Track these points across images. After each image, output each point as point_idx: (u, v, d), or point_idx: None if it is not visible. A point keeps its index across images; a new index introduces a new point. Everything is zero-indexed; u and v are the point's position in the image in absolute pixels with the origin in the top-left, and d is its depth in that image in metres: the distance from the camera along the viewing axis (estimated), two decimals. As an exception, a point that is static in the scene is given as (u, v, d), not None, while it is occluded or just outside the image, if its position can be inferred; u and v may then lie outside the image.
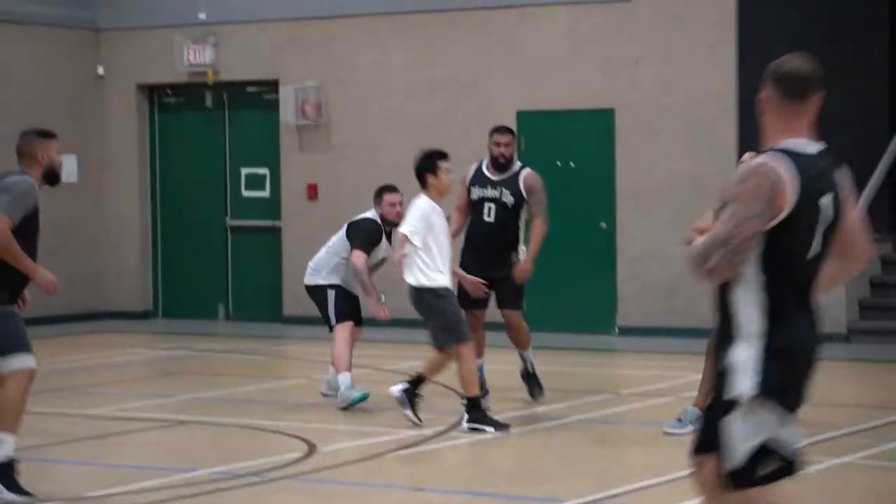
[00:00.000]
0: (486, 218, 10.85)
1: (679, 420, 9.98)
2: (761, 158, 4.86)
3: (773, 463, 4.89)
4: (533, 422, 10.58)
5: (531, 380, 11.22)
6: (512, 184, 10.90)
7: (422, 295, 9.99)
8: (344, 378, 10.98)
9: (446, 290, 10.01)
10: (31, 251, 8.04)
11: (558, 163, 16.48)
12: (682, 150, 16.03)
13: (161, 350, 15.77)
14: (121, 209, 18.88)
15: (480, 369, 10.71)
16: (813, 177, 4.86)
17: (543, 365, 14.15)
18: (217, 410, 11.23)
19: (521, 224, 10.99)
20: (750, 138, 16.06)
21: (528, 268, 10.87)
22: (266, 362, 14.98)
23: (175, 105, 18.98)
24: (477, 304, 10.80)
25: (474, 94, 16.91)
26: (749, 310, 4.86)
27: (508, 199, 10.84)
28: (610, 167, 16.42)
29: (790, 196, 4.80)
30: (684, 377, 11.75)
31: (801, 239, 4.86)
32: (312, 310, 11.61)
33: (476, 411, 10.00)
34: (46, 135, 8.21)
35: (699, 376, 9.96)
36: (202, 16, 18.26)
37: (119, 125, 18.85)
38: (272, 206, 18.30)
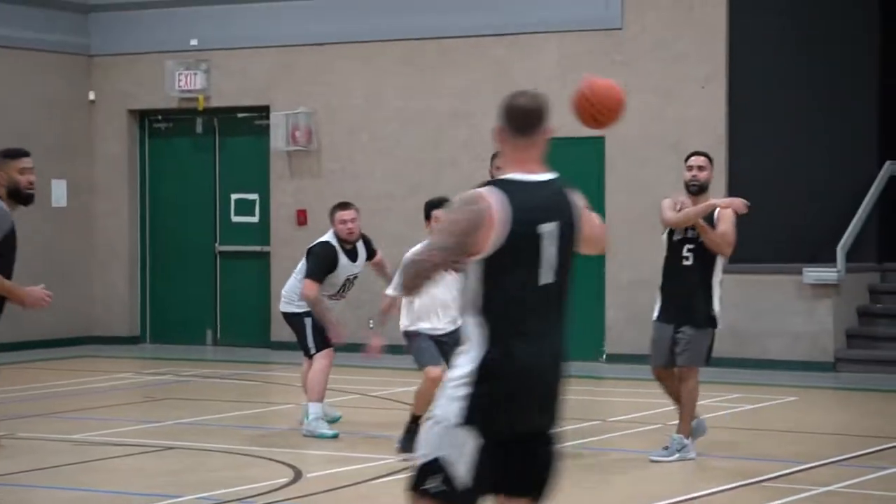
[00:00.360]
0: None
1: (665, 448, 9.99)
2: (478, 190, 4.99)
3: (437, 481, 4.97)
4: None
5: None
6: None
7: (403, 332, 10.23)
8: (315, 408, 10.96)
9: (412, 332, 10.06)
10: (7, 272, 7.98)
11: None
12: (671, 179, 16.04)
13: (148, 375, 15.75)
14: (110, 234, 18.89)
15: None
16: (532, 206, 4.95)
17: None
18: (203, 436, 11.21)
19: None
20: (739, 168, 16.14)
21: None
22: (253, 388, 14.96)
23: (166, 130, 19.01)
24: None
25: (465, 122, 16.95)
26: (472, 333, 4.97)
27: None
28: (599, 195, 16.45)
29: (500, 226, 4.89)
30: (671, 405, 11.73)
31: (523, 267, 4.95)
32: (300, 335, 11.61)
33: (410, 433, 9.93)
34: (9, 154, 8.13)
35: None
36: (194, 42, 18.31)
37: (110, 150, 18.87)
38: (261, 232, 18.31)
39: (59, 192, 18.44)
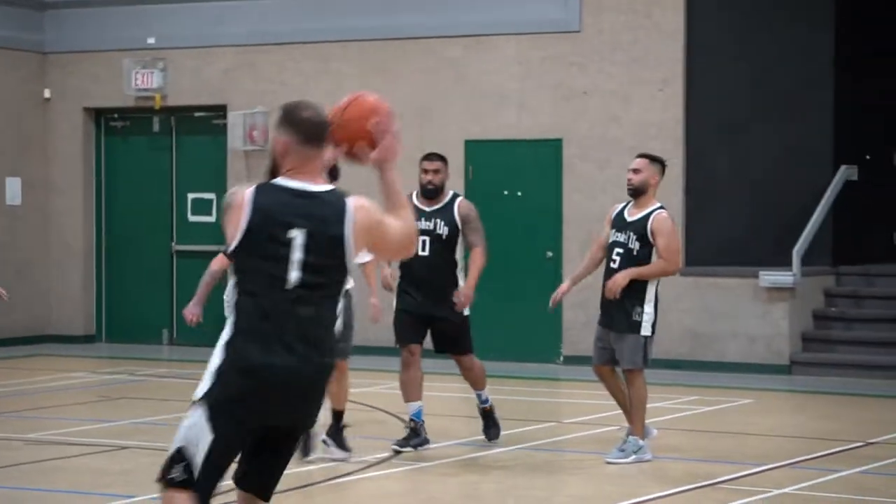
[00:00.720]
0: (420, 252, 10.17)
1: (621, 450, 9.99)
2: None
3: (178, 471, 5.14)
4: (474, 450, 10.57)
5: (487, 419, 10.68)
6: (446, 214, 10.33)
7: None
8: None
9: None
10: None
11: (506, 192, 16.53)
12: (628, 181, 16.11)
13: (104, 374, 15.66)
14: (65, 232, 18.77)
15: (418, 415, 10.29)
16: (282, 210, 5.12)
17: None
18: (159, 435, 11.14)
19: (460, 256, 10.52)
20: (696, 171, 16.21)
21: (470, 294, 10.36)
22: (209, 388, 14.88)
23: (122, 129, 18.91)
24: (412, 337, 10.35)
25: (423, 123, 16.94)
26: (229, 320, 5.18)
27: (443, 230, 10.31)
28: (557, 196, 16.49)
29: (242, 220, 5.11)
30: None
31: (267, 267, 5.12)
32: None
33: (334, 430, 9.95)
34: None
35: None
36: (151, 40, 18.21)
37: (65, 148, 18.75)
38: (218, 231, 18.18)
39: (13, 190, 18.31)
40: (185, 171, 18.53)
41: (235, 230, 5.11)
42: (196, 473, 5.10)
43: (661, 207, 9.98)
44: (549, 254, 16.52)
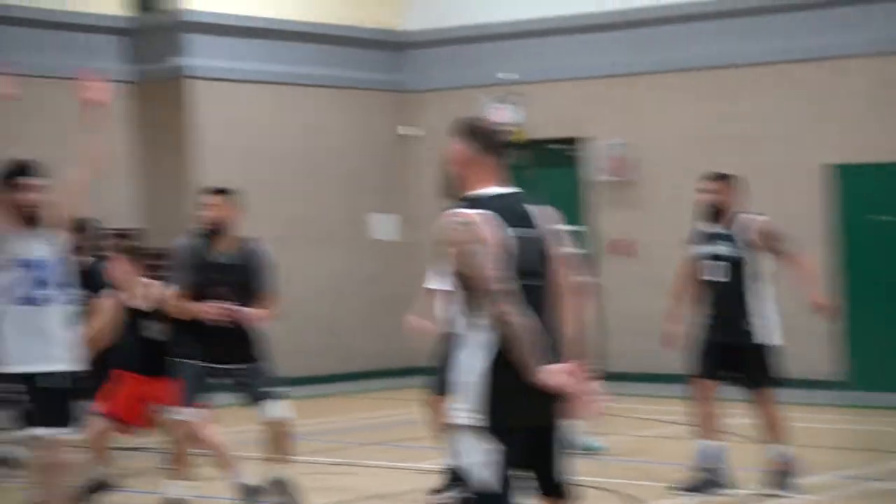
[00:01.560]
0: (709, 277, 9.79)
1: None
2: (456, 210, 5.36)
3: (460, 486, 5.28)
4: (856, 483, 10.31)
5: (781, 476, 9.66)
6: (731, 235, 9.77)
7: None
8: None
9: None
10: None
11: (883, 217, 15.90)
12: None
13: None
14: (424, 265, 19.25)
15: (711, 457, 9.77)
16: (509, 213, 5.38)
17: (873, 425, 13.68)
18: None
19: (759, 278, 9.71)
20: None
21: (823, 300, 9.78)
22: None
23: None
24: (702, 370, 9.82)
25: (783, 148, 16.69)
26: (476, 343, 5.30)
27: (732, 251, 9.71)
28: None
29: (506, 240, 5.33)
30: None
31: (528, 269, 5.34)
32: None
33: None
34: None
35: None
36: (502, 75, 18.53)
37: (424, 184, 19.27)
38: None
39: (388, 226, 18.97)
40: (541, 202, 18.70)
41: (499, 250, 5.29)
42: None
43: None
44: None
